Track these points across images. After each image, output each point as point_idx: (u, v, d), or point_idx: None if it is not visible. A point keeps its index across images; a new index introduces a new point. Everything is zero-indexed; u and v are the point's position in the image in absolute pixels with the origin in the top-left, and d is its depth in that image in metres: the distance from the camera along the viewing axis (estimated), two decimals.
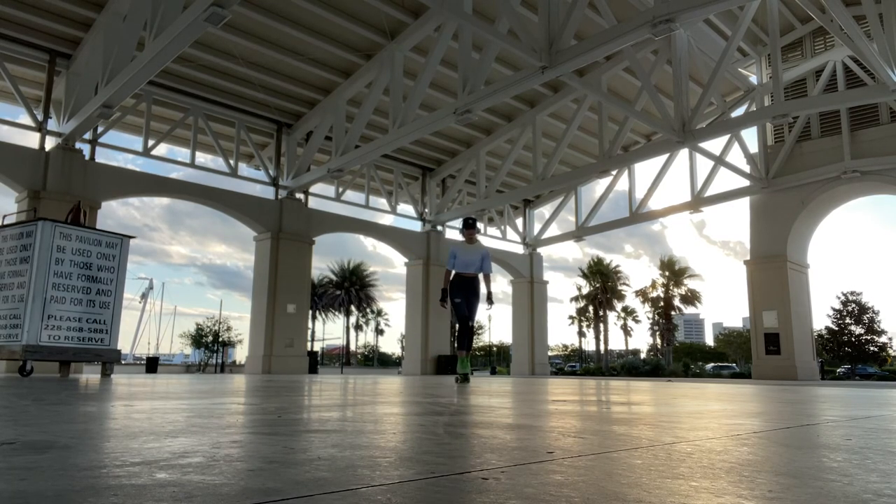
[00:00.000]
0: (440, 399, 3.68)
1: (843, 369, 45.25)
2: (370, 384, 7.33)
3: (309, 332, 20.95)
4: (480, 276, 8.01)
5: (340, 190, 19.52)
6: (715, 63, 14.72)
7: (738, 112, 17.89)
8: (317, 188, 18.58)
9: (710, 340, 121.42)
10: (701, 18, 14.59)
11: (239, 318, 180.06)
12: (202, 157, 17.42)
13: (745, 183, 18.23)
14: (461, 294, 7.73)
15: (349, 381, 8.34)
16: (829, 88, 17.10)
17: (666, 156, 18.59)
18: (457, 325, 7.89)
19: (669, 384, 9.96)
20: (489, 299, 7.90)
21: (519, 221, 23.88)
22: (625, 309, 59.10)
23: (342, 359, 60.78)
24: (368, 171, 19.55)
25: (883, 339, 44.73)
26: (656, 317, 56.06)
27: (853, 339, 44.71)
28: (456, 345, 7.65)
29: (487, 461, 1.26)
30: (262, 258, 17.09)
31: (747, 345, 30.35)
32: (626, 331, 59.88)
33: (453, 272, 7.96)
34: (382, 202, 20.55)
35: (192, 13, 9.01)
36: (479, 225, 23.18)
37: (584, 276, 58.34)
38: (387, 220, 20.99)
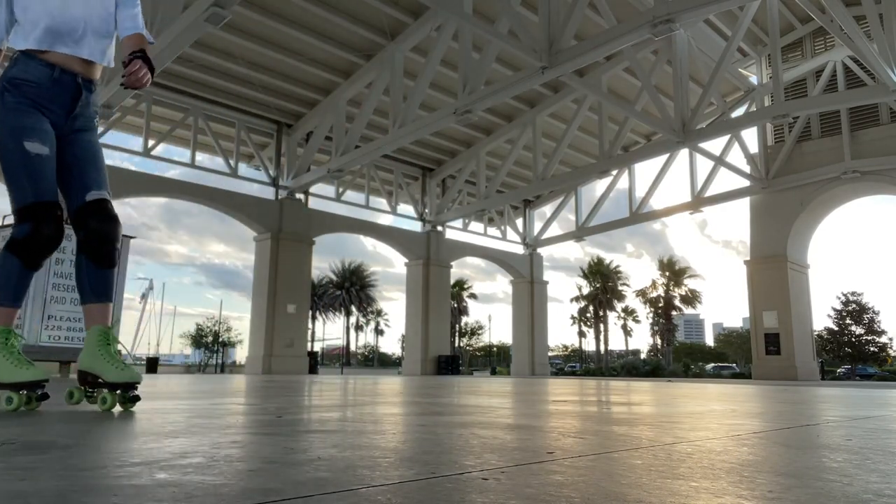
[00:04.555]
0: (440, 399, 3.69)
1: (843, 369, 45.19)
2: (370, 384, 7.33)
3: (309, 332, 20.96)
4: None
5: (340, 190, 19.54)
6: (715, 63, 14.72)
7: (739, 112, 17.90)
8: (317, 188, 18.59)
9: (710, 341, 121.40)
10: (701, 18, 14.60)
11: (239, 318, 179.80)
12: (202, 157, 17.43)
13: (746, 183, 18.24)
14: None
15: (349, 382, 8.34)
16: (830, 89, 17.10)
17: (666, 156, 18.60)
18: None
19: (669, 384, 9.96)
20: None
21: (519, 222, 23.88)
22: (625, 309, 59.03)
23: (342, 359, 60.72)
24: (368, 172, 19.56)
25: (883, 339, 44.68)
26: (656, 317, 56.04)
27: (853, 340, 44.66)
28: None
29: (487, 461, 1.26)
30: (262, 258, 17.09)
31: (747, 345, 30.30)
32: (627, 331, 59.84)
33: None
34: (382, 202, 20.57)
35: (192, 13, 9.02)
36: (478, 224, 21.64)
37: (585, 276, 58.32)
38: (387, 220, 21.03)
